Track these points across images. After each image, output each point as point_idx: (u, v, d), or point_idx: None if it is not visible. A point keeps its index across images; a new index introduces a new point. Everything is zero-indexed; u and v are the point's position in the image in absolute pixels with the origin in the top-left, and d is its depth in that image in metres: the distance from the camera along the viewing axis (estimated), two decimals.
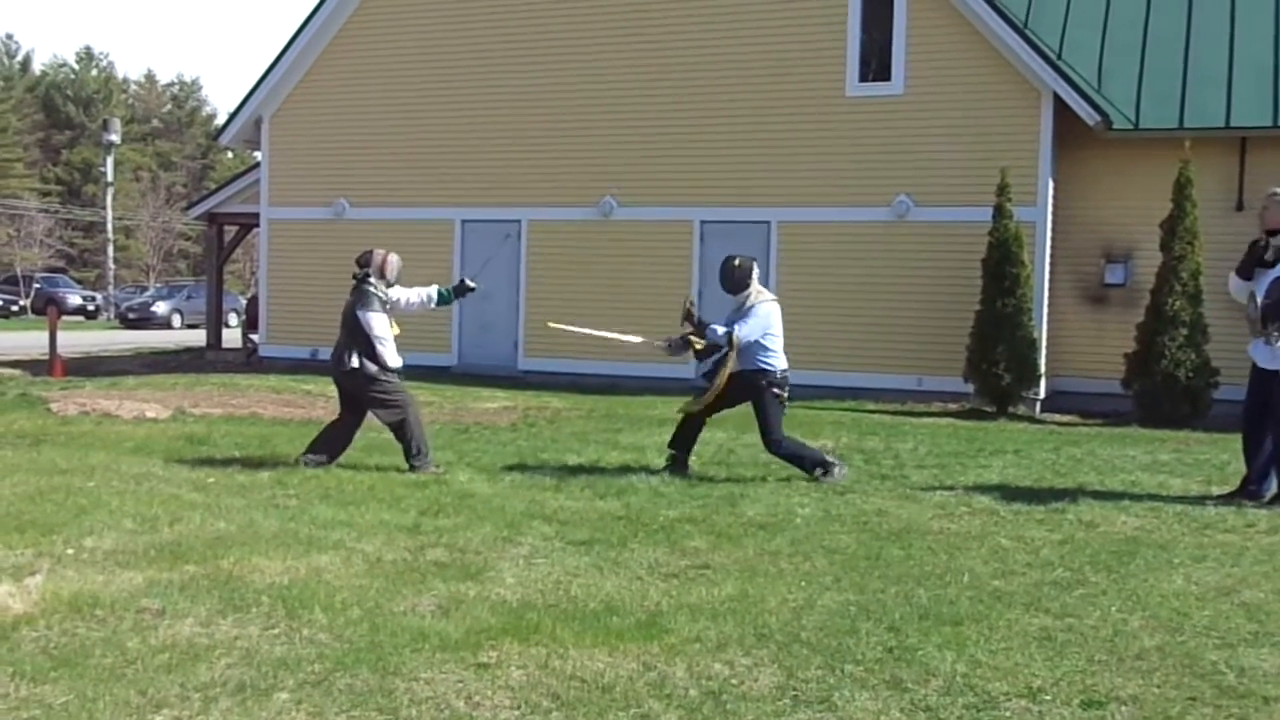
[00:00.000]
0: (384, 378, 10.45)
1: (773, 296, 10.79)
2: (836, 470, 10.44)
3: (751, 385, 10.46)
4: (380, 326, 10.38)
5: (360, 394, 10.52)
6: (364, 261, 10.60)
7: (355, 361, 10.38)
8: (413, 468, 10.39)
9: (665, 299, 20.10)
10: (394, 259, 10.69)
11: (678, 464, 10.75)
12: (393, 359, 10.47)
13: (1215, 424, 15.74)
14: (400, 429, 10.48)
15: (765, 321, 10.44)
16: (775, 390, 10.48)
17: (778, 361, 10.53)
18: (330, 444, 10.67)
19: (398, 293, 10.75)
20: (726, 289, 10.69)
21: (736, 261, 10.60)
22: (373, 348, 10.37)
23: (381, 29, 22.26)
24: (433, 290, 11.05)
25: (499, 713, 4.73)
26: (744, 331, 10.35)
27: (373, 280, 10.52)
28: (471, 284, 11.16)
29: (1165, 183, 16.83)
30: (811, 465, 10.50)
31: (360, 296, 10.46)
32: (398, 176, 22.22)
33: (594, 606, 6.21)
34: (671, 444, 10.92)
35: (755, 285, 10.61)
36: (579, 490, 9.72)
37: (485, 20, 21.40)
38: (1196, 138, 17.44)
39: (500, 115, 21.33)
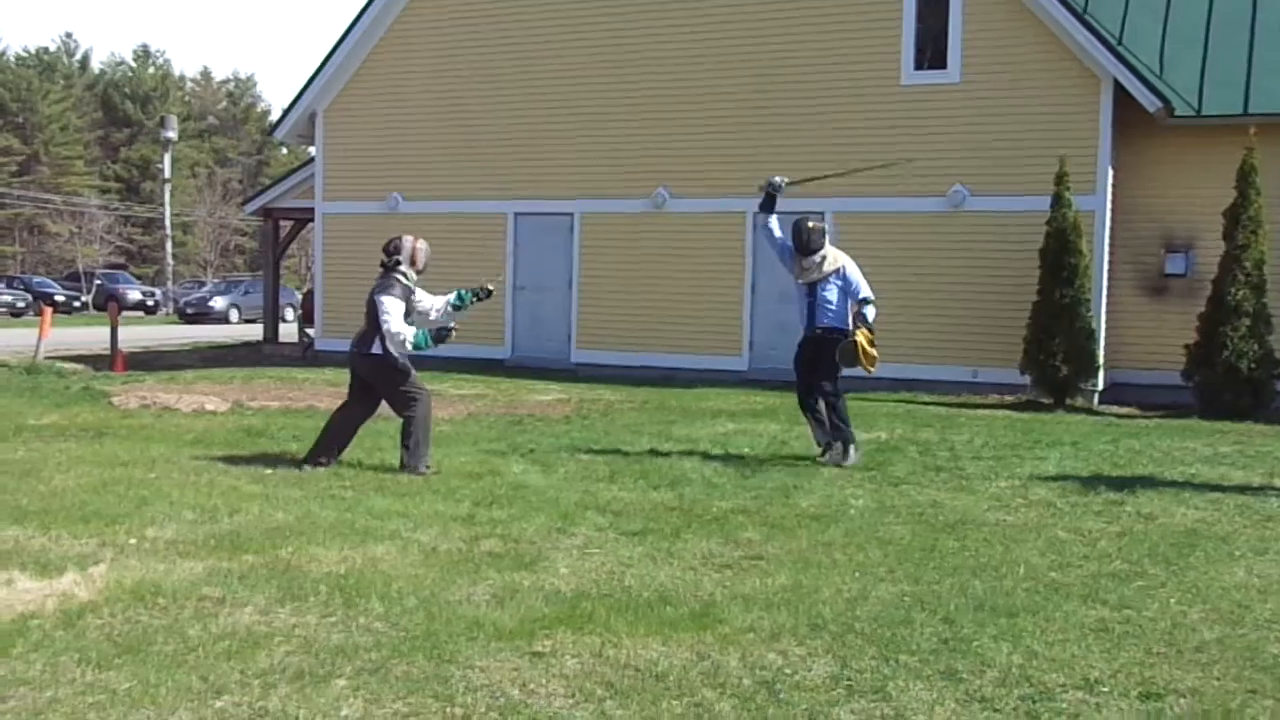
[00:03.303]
0: (402, 367, 10.16)
1: (846, 254, 11.28)
2: (852, 451, 11.00)
3: (830, 340, 10.98)
4: (393, 308, 10.00)
5: (374, 380, 10.28)
6: (393, 249, 10.28)
7: (375, 348, 10.13)
8: (403, 464, 10.08)
9: (718, 290, 20.12)
10: (424, 245, 10.37)
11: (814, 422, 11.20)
12: (396, 346, 10.04)
13: (1278, 416, 15.56)
14: (407, 423, 10.15)
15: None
16: (846, 340, 10.94)
17: (846, 323, 11.02)
18: (331, 443, 10.38)
19: (423, 296, 10.46)
20: (799, 249, 11.13)
21: (810, 223, 11.16)
22: (383, 332, 10.03)
23: (434, 22, 22.35)
24: (450, 297, 10.64)
25: (553, 701, 4.75)
26: (867, 290, 11.00)
27: (403, 268, 10.24)
28: (491, 287, 10.91)
29: (1228, 170, 16.58)
30: (846, 453, 10.95)
31: (384, 282, 10.17)
32: (451, 170, 22.32)
33: (648, 596, 6.22)
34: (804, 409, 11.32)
35: (829, 245, 11.19)
36: (632, 482, 9.73)
37: (537, 13, 21.44)
38: (1261, 124, 17.16)
39: (553, 107, 21.37)
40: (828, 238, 11.23)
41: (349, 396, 10.63)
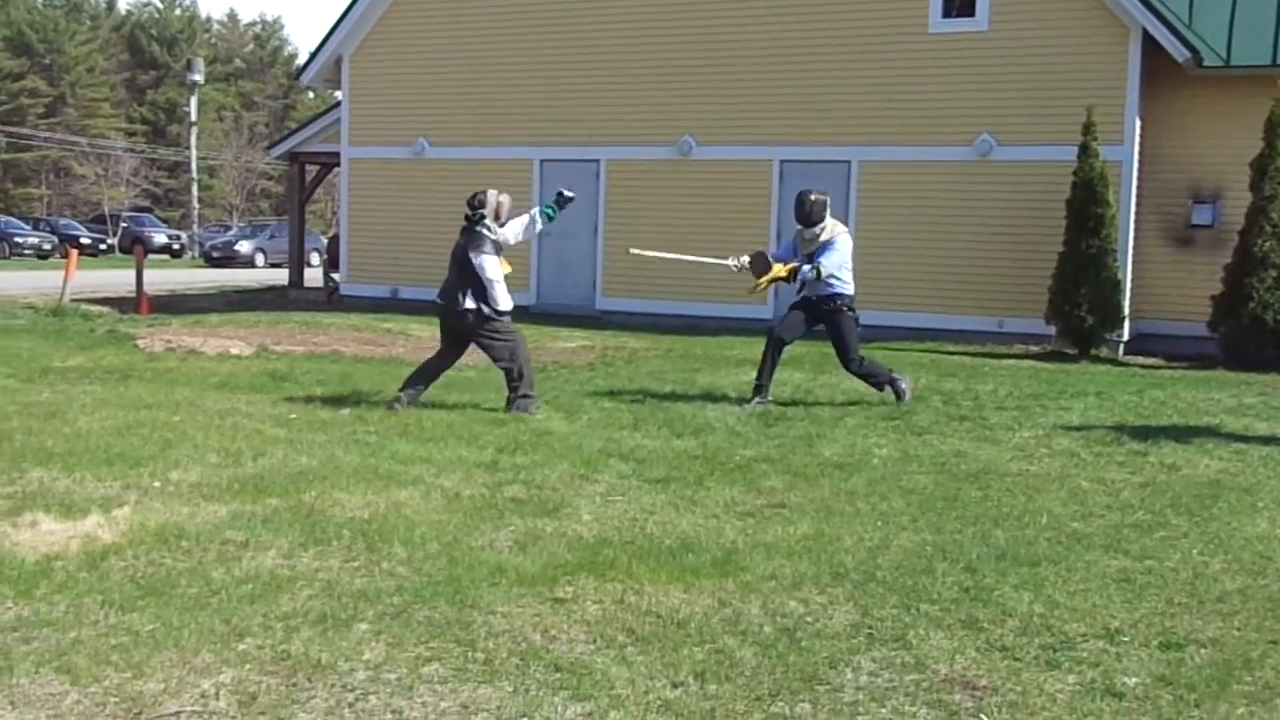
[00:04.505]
0: (497, 319, 10.38)
1: (846, 228, 11.35)
2: (906, 389, 11.31)
3: (828, 310, 11.10)
4: (493, 269, 10.28)
5: (470, 335, 10.47)
6: (478, 203, 10.44)
7: (470, 303, 10.29)
8: (517, 406, 10.33)
9: (744, 238, 20.02)
10: (506, 200, 10.61)
11: (761, 391, 11.21)
12: (505, 302, 10.36)
13: None
14: (510, 369, 10.43)
15: (845, 254, 10.98)
16: (850, 312, 11.13)
17: (849, 287, 11.14)
18: (423, 376, 10.67)
19: (507, 232, 10.63)
20: (800, 221, 11.16)
21: (813, 196, 11.05)
22: (485, 290, 10.29)
23: None
24: (535, 213, 10.89)
25: (575, 646, 4.77)
26: (830, 263, 10.90)
27: (488, 222, 10.41)
28: (569, 194, 11.04)
29: (1256, 121, 16.40)
30: (898, 393, 11.21)
31: (472, 238, 10.35)
32: (477, 116, 22.23)
33: (670, 544, 6.24)
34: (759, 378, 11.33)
35: (830, 219, 11.12)
36: (656, 429, 9.74)
37: None
38: None
39: (580, 53, 21.23)
40: (829, 210, 11.20)
41: (441, 346, 10.84)
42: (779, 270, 11.05)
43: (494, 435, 9.21)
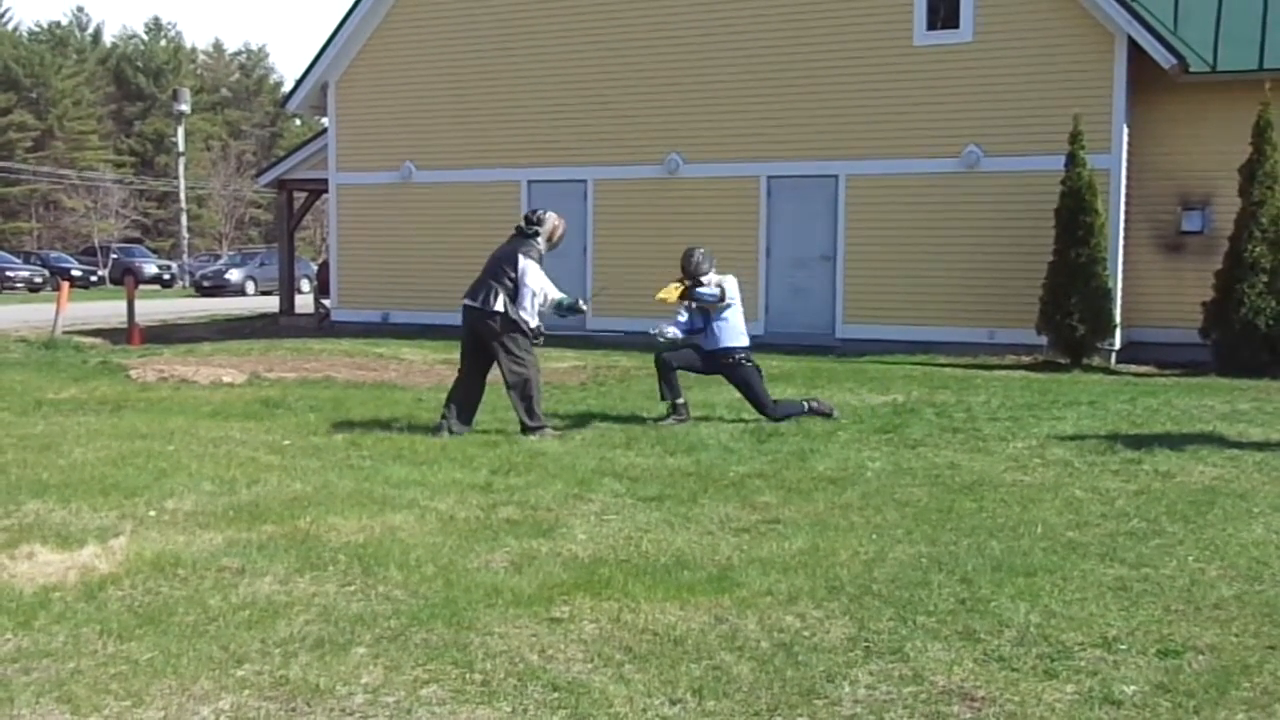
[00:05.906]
0: (522, 329, 10.26)
1: (732, 276, 11.36)
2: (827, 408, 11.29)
3: (727, 364, 11.16)
4: (535, 279, 10.19)
5: (492, 338, 10.27)
6: (535, 219, 10.44)
7: (500, 305, 10.16)
8: (526, 429, 10.22)
9: (733, 256, 20.05)
10: (563, 226, 10.67)
11: (678, 410, 11.18)
12: (533, 316, 10.27)
13: None
14: (523, 387, 10.27)
15: (738, 298, 11.18)
16: (748, 364, 11.15)
17: (744, 339, 11.25)
18: (461, 405, 10.46)
19: (546, 280, 10.51)
20: (686, 275, 11.15)
21: (701, 250, 11.19)
22: (518, 294, 10.18)
23: None
24: (557, 297, 10.60)
25: (572, 665, 4.77)
26: (733, 292, 11.09)
27: (539, 241, 10.39)
28: (584, 307, 10.92)
29: (1244, 126, 16.48)
30: (800, 412, 11.16)
31: (523, 243, 10.29)
32: (464, 138, 22.27)
33: (665, 561, 6.24)
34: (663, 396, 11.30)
35: (714, 273, 11.17)
36: (649, 447, 9.74)
37: None
38: (1276, 79, 17.04)
39: (565, 75, 21.29)
40: (713, 265, 11.22)
41: (463, 364, 10.62)
42: (674, 289, 11.07)
43: (488, 457, 9.20)
